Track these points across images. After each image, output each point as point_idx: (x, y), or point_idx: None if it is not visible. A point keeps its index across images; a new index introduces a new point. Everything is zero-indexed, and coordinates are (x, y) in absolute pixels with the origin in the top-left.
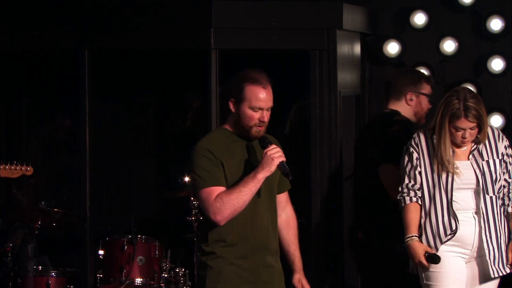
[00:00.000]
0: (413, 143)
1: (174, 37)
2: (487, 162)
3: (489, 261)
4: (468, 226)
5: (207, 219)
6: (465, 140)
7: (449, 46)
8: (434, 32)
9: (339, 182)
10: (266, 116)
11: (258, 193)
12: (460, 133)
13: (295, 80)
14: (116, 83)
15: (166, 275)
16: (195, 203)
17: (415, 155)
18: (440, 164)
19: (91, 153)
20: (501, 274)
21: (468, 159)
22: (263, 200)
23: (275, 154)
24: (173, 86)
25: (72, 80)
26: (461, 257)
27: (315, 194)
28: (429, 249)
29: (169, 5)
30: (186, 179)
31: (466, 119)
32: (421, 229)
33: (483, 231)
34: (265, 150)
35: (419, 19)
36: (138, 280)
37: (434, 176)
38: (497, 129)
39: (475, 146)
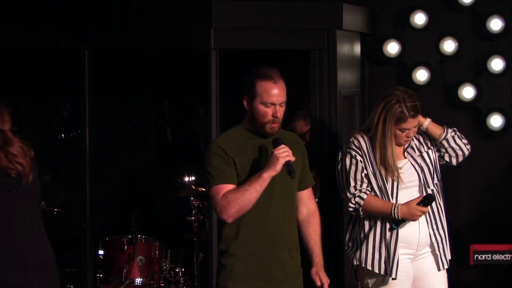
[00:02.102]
0: (353, 146)
1: (174, 37)
2: (421, 155)
3: (439, 254)
4: (411, 226)
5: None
6: (409, 138)
7: (449, 46)
8: (434, 32)
9: None
10: (279, 111)
11: (272, 191)
12: (404, 134)
13: (295, 80)
14: (116, 83)
15: (166, 275)
16: (195, 203)
17: (358, 158)
18: (385, 169)
19: (91, 153)
20: (448, 266)
21: (405, 157)
22: (279, 197)
23: (282, 154)
24: (173, 86)
25: (72, 80)
26: (407, 258)
27: (315, 194)
28: (415, 200)
29: (169, 5)
30: (186, 179)
31: (413, 118)
32: (364, 232)
33: (429, 225)
34: (273, 150)
35: (419, 19)
36: (138, 280)
37: (378, 180)
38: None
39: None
